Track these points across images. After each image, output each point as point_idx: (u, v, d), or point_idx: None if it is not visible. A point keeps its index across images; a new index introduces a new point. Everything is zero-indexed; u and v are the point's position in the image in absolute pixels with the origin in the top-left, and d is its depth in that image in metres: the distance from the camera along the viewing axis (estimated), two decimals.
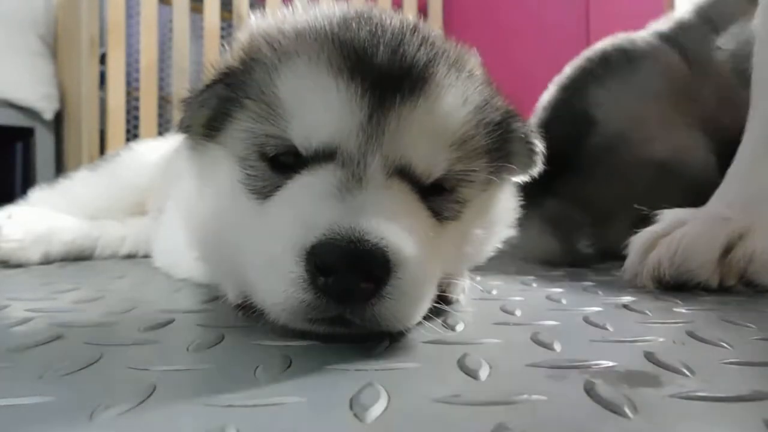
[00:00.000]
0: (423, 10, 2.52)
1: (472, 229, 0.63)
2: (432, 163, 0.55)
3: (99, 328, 0.54)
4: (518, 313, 0.61)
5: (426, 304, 0.52)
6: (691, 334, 0.51)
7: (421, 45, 0.57)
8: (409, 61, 0.55)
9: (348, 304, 0.46)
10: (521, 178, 0.69)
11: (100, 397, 0.34)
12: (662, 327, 0.54)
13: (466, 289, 0.66)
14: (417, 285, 0.48)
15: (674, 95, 1.23)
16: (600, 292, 0.75)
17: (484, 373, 0.40)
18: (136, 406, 0.34)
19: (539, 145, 0.66)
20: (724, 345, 0.47)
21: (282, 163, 0.55)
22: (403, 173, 0.53)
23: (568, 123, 1.23)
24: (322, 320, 0.47)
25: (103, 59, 2.44)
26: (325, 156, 0.52)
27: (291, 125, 0.54)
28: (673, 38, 1.29)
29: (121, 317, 0.59)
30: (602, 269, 0.99)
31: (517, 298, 0.70)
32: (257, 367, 0.41)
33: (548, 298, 0.71)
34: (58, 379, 0.39)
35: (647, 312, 0.61)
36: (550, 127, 1.19)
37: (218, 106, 0.60)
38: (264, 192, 0.55)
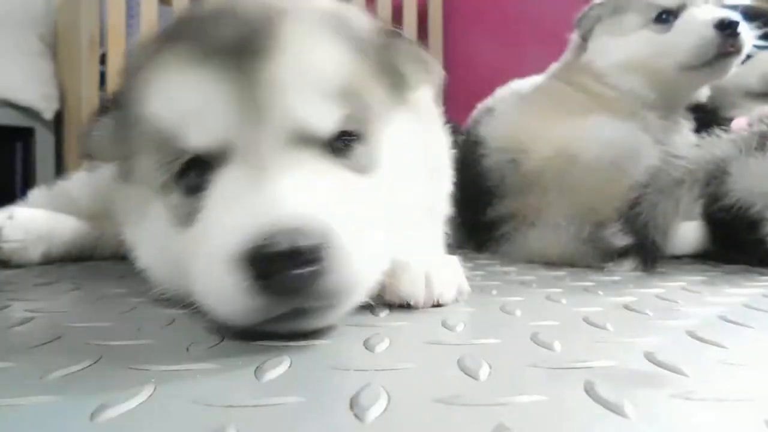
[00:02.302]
0: (423, 11, 2.52)
1: (399, 172, 0.61)
2: (320, 115, 0.53)
3: (99, 328, 0.54)
4: (518, 313, 0.61)
5: (375, 265, 0.52)
6: (691, 334, 0.51)
7: (270, 9, 0.56)
8: (261, 28, 0.54)
9: (298, 293, 0.46)
10: (422, 94, 0.69)
11: (100, 397, 0.34)
12: (662, 327, 0.54)
13: (463, 290, 0.66)
14: (353, 251, 0.47)
15: None
16: (600, 292, 0.75)
17: (484, 373, 0.40)
18: (136, 406, 0.34)
19: (429, 57, 0.67)
20: (724, 345, 0.47)
21: (192, 185, 0.54)
22: (301, 139, 0.52)
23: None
24: (279, 318, 0.47)
25: (103, 59, 2.44)
26: (220, 155, 0.52)
27: (176, 137, 0.53)
28: None
29: (121, 317, 0.59)
30: (602, 269, 0.99)
31: (517, 298, 0.70)
32: (257, 367, 0.41)
33: (548, 298, 0.71)
34: (58, 379, 0.39)
35: (647, 312, 0.61)
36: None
37: (115, 138, 0.60)
38: (189, 218, 0.54)
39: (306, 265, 0.45)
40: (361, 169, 0.56)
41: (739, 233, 1.02)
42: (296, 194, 0.47)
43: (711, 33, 1.25)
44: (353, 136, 0.56)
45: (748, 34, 1.27)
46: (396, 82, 0.63)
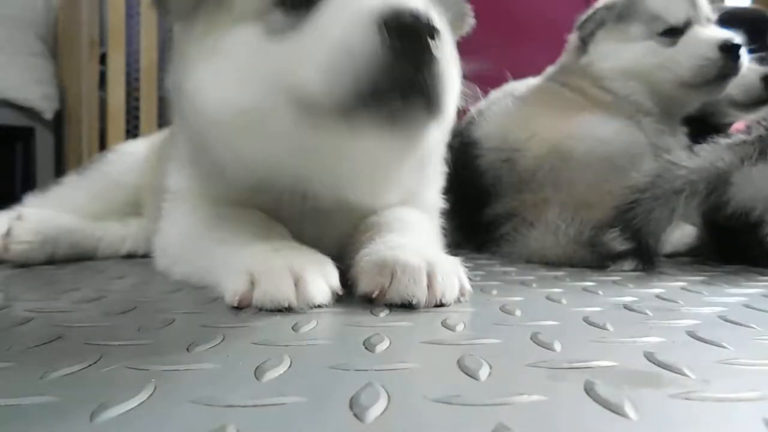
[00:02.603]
0: None
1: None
2: None
3: (99, 328, 0.54)
4: (518, 313, 0.61)
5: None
6: (691, 334, 0.51)
7: None
8: None
9: (418, 65, 0.54)
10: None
11: (100, 397, 0.34)
12: (662, 327, 0.54)
13: (466, 291, 0.66)
14: (450, 54, 0.59)
15: None
16: (600, 292, 0.75)
17: (484, 373, 0.40)
18: (136, 406, 0.34)
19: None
20: (724, 345, 0.47)
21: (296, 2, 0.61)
22: None
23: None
24: (390, 92, 0.55)
25: (103, 59, 2.44)
26: None
27: None
28: None
29: (121, 317, 0.59)
30: (602, 269, 0.99)
31: (517, 298, 0.70)
32: (257, 367, 0.41)
33: (548, 298, 0.71)
34: (58, 379, 0.39)
35: (647, 312, 0.61)
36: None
37: None
38: (293, 29, 0.60)
39: (429, 45, 0.53)
40: None
41: (739, 235, 1.03)
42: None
43: (715, 54, 1.28)
44: None
45: (746, 55, 1.29)
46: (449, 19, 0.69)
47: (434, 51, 0.54)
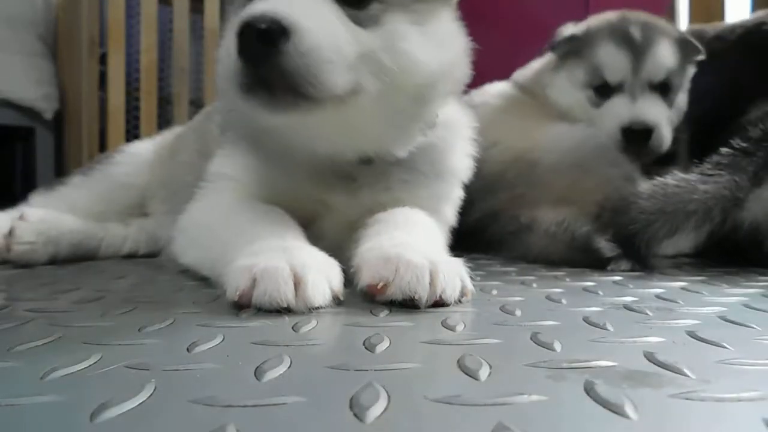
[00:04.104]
0: None
1: (401, 34, 0.73)
2: None
3: (99, 328, 0.54)
4: (518, 313, 0.61)
5: (340, 69, 0.67)
6: (691, 334, 0.51)
7: None
8: None
9: (259, 63, 0.65)
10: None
11: (100, 397, 0.34)
12: (662, 327, 0.54)
13: (467, 291, 0.66)
14: (317, 46, 0.65)
15: None
16: (600, 292, 0.75)
17: (484, 373, 0.40)
18: (136, 406, 0.34)
19: None
20: (724, 345, 0.47)
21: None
22: None
23: None
24: (252, 88, 0.66)
25: (103, 59, 2.44)
26: None
27: None
28: None
29: (121, 317, 0.59)
30: (602, 269, 0.99)
31: (517, 298, 0.70)
32: (257, 367, 0.41)
33: (548, 298, 0.71)
34: (58, 379, 0.39)
35: (647, 312, 0.61)
36: None
37: None
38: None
39: (271, 43, 0.63)
40: (363, 23, 0.71)
41: (745, 251, 1.04)
42: (281, 3, 0.65)
43: (617, 136, 1.32)
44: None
45: (663, 137, 1.31)
46: None
47: (280, 46, 0.63)
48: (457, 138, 0.89)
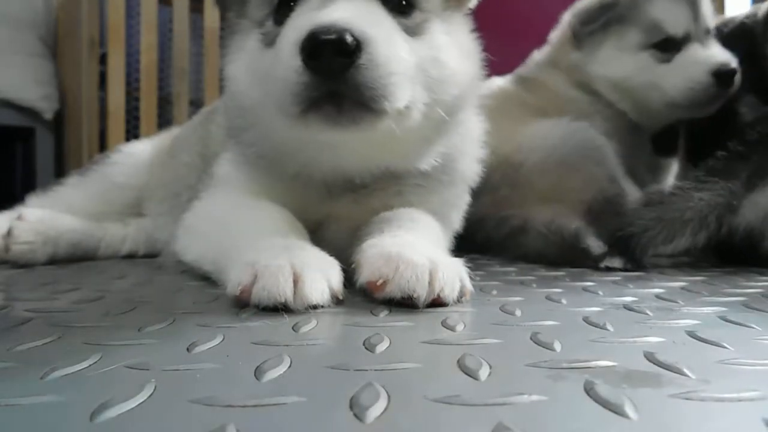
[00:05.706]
0: None
1: (441, 45, 0.74)
2: None
3: (99, 328, 0.54)
4: (518, 313, 0.61)
5: (405, 82, 0.66)
6: (691, 334, 0.51)
7: None
8: None
9: (333, 76, 0.62)
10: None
11: (100, 397, 0.34)
12: (662, 327, 0.54)
13: (467, 291, 0.66)
14: (388, 59, 0.63)
15: None
16: (600, 292, 0.75)
17: (484, 373, 0.40)
18: (136, 406, 0.34)
19: None
20: (724, 345, 0.47)
21: (279, 17, 0.73)
22: None
23: None
24: (318, 102, 0.63)
25: (103, 59, 2.44)
26: None
27: None
28: None
29: (120, 317, 0.59)
30: (602, 269, 0.99)
31: (517, 298, 0.70)
32: (257, 367, 0.41)
33: (548, 298, 0.71)
34: (58, 379, 0.39)
35: (647, 312, 0.61)
36: None
37: None
38: (273, 40, 0.72)
39: (347, 54, 0.60)
40: (411, 33, 0.71)
41: (741, 251, 1.04)
42: (346, 12, 0.63)
43: (708, 80, 1.27)
44: (414, 6, 0.73)
45: (738, 78, 1.29)
46: None
47: (355, 58, 0.61)
48: (469, 143, 0.89)
